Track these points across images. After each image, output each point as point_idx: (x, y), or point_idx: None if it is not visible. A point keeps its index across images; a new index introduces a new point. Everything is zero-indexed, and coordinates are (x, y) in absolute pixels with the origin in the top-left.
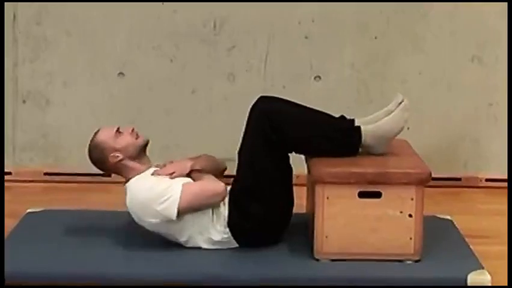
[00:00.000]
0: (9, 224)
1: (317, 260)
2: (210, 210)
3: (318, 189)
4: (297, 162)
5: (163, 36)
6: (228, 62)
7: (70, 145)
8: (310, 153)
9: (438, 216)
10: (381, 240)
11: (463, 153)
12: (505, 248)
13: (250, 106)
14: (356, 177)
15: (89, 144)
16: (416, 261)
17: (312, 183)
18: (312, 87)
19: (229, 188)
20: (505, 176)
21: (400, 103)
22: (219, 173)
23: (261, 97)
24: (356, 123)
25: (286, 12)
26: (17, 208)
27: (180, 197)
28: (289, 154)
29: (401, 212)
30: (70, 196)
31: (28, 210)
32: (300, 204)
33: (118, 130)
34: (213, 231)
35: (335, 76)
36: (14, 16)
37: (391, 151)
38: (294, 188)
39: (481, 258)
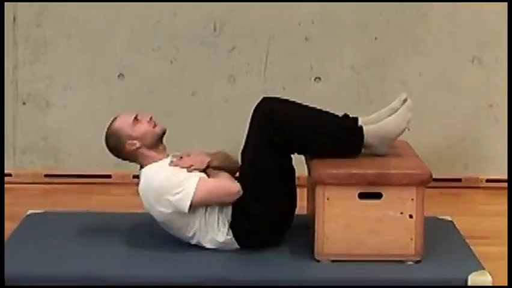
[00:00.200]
0: (10, 226)
1: (318, 261)
2: (217, 209)
3: (319, 190)
4: (298, 163)
5: (163, 38)
6: (228, 64)
7: (70, 147)
8: (314, 153)
9: (439, 217)
10: (382, 241)
11: (463, 154)
12: (505, 249)
13: (253, 107)
14: (356, 178)
15: (106, 131)
16: (417, 262)
17: (312, 184)
18: (312, 88)
19: None
20: (505, 177)
21: (404, 100)
22: (234, 171)
23: (264, 98)
24: (359, 122)
25: (286, 13)
26: (17, 210)
27: (195, 191)
28: (291, 155)
29: (401, 213)
30: (71, 198)
31: (28, 212)
32: (300, 206)
33: (136, 118)
34: (217, 231)
35: (335, 77)
36: (14, 18)
37: (391, 152)
38: None
39: (481, 259)
